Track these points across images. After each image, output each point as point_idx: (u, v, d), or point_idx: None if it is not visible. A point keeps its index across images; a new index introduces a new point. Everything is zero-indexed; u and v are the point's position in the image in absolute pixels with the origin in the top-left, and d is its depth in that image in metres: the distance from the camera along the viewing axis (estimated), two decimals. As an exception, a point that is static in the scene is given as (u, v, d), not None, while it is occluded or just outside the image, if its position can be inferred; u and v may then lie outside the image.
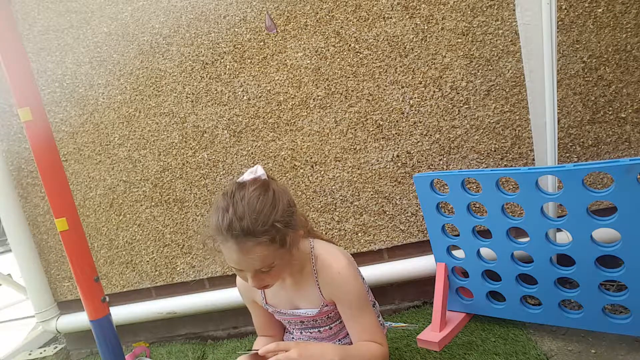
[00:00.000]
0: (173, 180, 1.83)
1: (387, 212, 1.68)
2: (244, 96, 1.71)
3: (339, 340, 1.25)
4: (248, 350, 1.10)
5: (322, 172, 1.70)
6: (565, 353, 1.27)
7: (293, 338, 1.29)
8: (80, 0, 1.76)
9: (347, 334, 1.22)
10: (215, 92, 1.73)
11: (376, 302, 1.31)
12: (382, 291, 1.66)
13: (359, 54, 1.61)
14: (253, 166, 1.09)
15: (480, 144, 1.58)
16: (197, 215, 1.83)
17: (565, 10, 1.46)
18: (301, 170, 1.71)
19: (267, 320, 1.30)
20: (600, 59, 1.48)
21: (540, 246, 1.24)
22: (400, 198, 1.66)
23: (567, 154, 1.54)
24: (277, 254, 1.00)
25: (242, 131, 1.73)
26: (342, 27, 1.60)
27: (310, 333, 1.24)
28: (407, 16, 1.55)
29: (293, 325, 1.25)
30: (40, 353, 2.14)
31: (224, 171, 1.77)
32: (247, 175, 1.06)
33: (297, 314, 1.19)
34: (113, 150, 1.85)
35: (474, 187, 1.55)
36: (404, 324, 1.60)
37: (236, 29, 1.67)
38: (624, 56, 1.46)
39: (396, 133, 1.63)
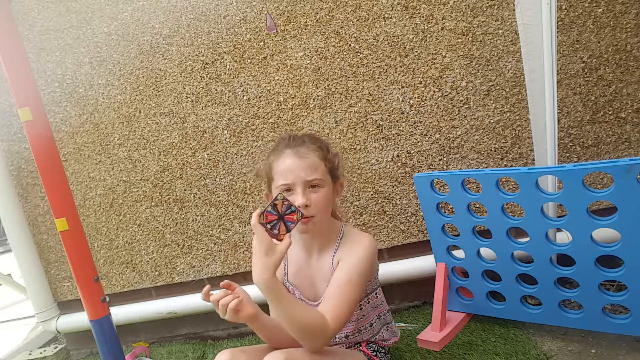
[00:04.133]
0: (173, 180, 1.83)
1: (387, 212, 1.68)
2: (244, 96, 1.71)
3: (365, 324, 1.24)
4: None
5: (322, 172, 1.70)
6: (565, 353, 1.27)
7: None
8: (80, 0, 1.76)
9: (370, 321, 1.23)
10: (215, 92, 1.73)
11: (389, 311, 1.31)
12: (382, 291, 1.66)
13: (359, 54, 1.61)
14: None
15: (480, 144, 1.58)
16: (197, 215, 1.83)
17: (565, 10, 1.46)
18: (301, 170, 1.71)
19: None
20: (600, 59, 1.48)
21: (540, 246, 1.24)
22: (400, 198, 1.66)
23: (567, 154, 1.54)
24: (325, 173, 1.12)
25: (242, 131, 1.73)
26: (342, 27, 1.60)
27: None
28: (407, 16, 1.55)
29: None
30: (40, 353, 2.14)
31: (224, 171, 1.77)
32: None
33: (314, 305, 1.18)
34: (113, 150, 1.85)
35: (474, 187, 1.55)
36: (404, 324, 1.60)
37: (236, 29, 1.67)
38: (624, 56, 1.46)
39: (396, 133, 1.63)
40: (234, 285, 1.07)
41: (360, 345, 1.25)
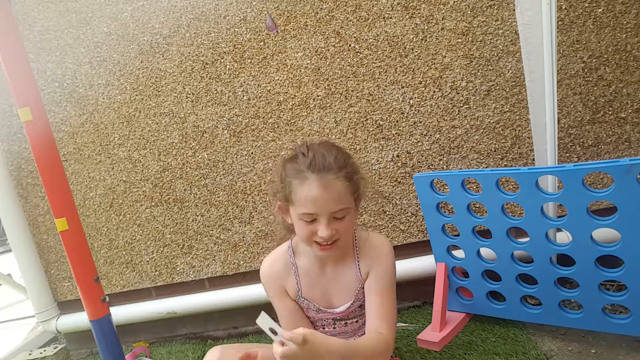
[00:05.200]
0: (173, 180, 1.83)
1: (387, 212, 1.68)
2: (244, 96, 1.71)
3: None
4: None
5: (322, 172, 1.70)
6: (565, 353, 1.27)
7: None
8: (80, 0, 1.76)
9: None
10: (215, 92, 1.73)
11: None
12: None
13: (359, 54, 1.61)
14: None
15: (480, 144, 1.58)
16: (197, 215, 1.83)
17: (565, 10, 1.46)
18: (301, 170, 1.71)
19: (294, 315, 1.20)
20: (600, 59, 1.48)
21: (540, 246, 1.24)
22: (400, 198, 1.66)
23: (567, 154, 1.54)
24: (351, 199, 1.04)
25: (242, 131, 1.73)
26: (342, 27, 1.60)
27: (339, 327, 1.22)
28: (407, 16, 1.55)
29: (323, 321, 1.22)
30: (40, 353, 2.14)
31: (224, 171, 1.77)
32: None
33: (330, 312, 1.18)
34: (113, 150, 1.85)
35: (474, 187, 1.54)
36: (404, 324, 1.60)
37: (236, 29, 1.67)
38: (624, 56, 1.46)
39: (396, 133, 1.63)
40: (254, 354, 1.04)
41: None
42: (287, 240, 1.22)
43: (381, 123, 1.63)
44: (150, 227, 1.88)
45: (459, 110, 1.58)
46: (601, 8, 1.44)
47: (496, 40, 1.52)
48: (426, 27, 1.55)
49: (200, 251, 1.86)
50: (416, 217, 1.66)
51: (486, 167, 1.59)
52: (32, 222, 1.98)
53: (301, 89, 1.66)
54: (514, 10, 1.43)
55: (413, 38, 1.56)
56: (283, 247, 1.22)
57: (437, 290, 1.47)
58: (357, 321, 1.21)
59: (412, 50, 1.57)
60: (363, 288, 1.16)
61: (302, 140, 1.09)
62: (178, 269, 1.89)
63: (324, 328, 1.23)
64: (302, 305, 1.20)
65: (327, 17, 1.60)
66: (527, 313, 1.36)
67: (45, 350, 2.16)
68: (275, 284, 1.19)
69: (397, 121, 1.62)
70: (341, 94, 1.64)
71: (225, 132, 1.75)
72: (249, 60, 1.68)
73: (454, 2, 1.52)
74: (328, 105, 1.65)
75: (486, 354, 1.33)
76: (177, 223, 1.86)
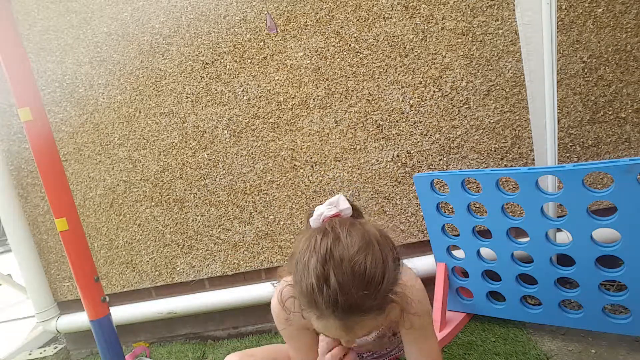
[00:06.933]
0: (173, 180, 1.83)
1: (387, 212, 1.68)
2: (244, 96, 1.71)
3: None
4: None
5: (322, 172, 1.70)
6: (565, 353, 1.27)
7: None
8: (80, 0, 1.76)
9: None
10: (215, 92, 1.73)
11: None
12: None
13: (359, 54, 1.61)
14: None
15: (480, 144, 1.58)
16: (197, 215, 1.83)
17: (565, 10, 1.46)
18: (301, 170, 1.71)
19: (311, 347, 1.06)
20: (600, 59, 1.48)
21: (540, 246, 1.24)
22: (400, 198, 1.66)
23: (567, 154, 1.54)
24: (384, 318, 0.84)
25: (242, 131, 1.73)
26: (342, 27, 1.60)
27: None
28: (407, 16, 1.55)
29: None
30: (40, 353, 2.14)
31: (224, 171, 1.77)
32: (328, 210, 0.87)
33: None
34: (113, 150, 1.85)
35: (474, 187, 1.55)
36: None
37: (236, 29, 1.67)
38: (624, 56, 1.46)
39: (396, 133, 1.63)
40: None
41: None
42: None
43: (381, 123, 1.63)
44: (150, 227, 1.88)
45: (459, 110, 1.58)
46: (601, 8, 1.44)
47: (496, 40, 1.52)
48: (426, 27, 1.55)
49: (200, 251, 1.86)
50: (416, 217, 1.66)
51: (486, 167, 1.59)
52: (32, 222, 1.98)
53: (301, 89, 1.66)
54: (514, 10, 1.43)
55: (413, 38, 1.56)
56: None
57: (437, 290, 1.47)
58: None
59: (412, 50, 1.57)
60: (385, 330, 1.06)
61: (320, 224, 0.86)
62: (178, 269, 1.89)
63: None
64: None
65: (327, 17, 1.60)
66: (527, 313, 1.36)
67: (45, 350, 2.16)
68: (297, 316, 0.99)
69: (397, 121, 1.62)
70: (341, 94, 1.64)
71: (225, 132, 1.75)
72: (249, 60, 1.68)
73: (454, 2, 1.52)
74: (328, 105, 1.65)
75: (486, 354, 1.33)
76: (177, 223, 1.86)
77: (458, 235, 1.40)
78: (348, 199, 0.92)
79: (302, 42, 1.63)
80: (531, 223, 1.23)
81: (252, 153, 1.74)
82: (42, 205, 1.95)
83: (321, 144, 1.68)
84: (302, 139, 1.69)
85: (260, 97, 1.70)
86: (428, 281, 1.54)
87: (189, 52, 1.72)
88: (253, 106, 1.71)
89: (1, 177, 1.89)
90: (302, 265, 0.81)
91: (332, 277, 0.75)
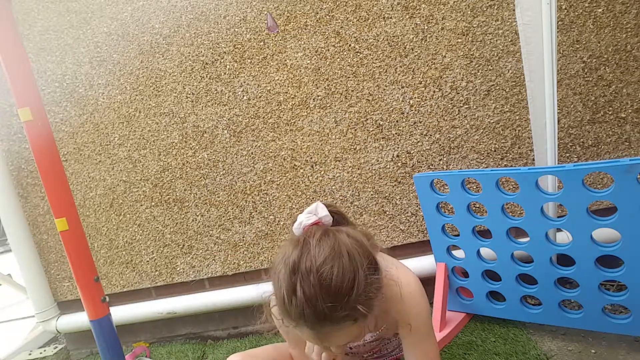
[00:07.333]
0: (173, 180, 1.83)
1: (387, 212, 1.68)
2: (244, 96, 1.71)
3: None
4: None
5: (322, 172, 1.70)
6: (565, 353, 1.27)
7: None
8: (80, 0, 1.76)
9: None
10: (215, 92, 1.73)
11: None
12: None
13: (359, 54, 1.61)
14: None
15: (480, 144, 1.58)
16: (197, 215, 1.83)
17: (565, 10, 1.46)
18: (301, 170, 1.71)
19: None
20: (600, 59, 1.48)
21: (540, 246, 1.24)
22: (400, 198, 1.66)
23: (567, 154, 1.54)
24: (364, 325, 0.83)
25: (242, 131, 1.73)
26: (342, 27, 1.60)
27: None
28: (407, 16, 1.55)
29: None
30: (40, 353, 2.14)
31: (224, 171, 1.77)
32: (306, 219, 0.87)
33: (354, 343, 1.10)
34: (113, 150, 1.85)
35: (474, 187, 1.55)
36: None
37: (236, 29, 1.67)
38: (624, 56, 1.46)
39: (396, 133, 1.63)
40: None
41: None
42: None
43: (381, 123, 1.63)
44: (150, 227, 1.88)
45: (459, 110, 1.58)
46: (601, 8, 1.44)
47: (496, 40, 1.52)
48: (426, 27, 1.55)
49: (200, 251, 1.86)
50: (416, 217, 1.66)
51: (486, 167, 1.59)
52: (32, 222, 1.98)
53: (301, 89, 1.66)
54: (514, 10, 1.43)
55: (413, 38, 1.56)
56: None
57: (437, 290, 1.47)
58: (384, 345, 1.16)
59: (412, 50, 1.57)
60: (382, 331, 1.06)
61: (294, 235, 0.86)
62: (178, 269, 1.89)
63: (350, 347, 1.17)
64: None
65: (327, 17, 1.60)
66: (527, 313, 1.36)
67: (45, 350, 2.16)
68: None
69: (397, 121, 1.62)
70: (341, 94, 1.64)
71: (225, 132, 1.75)
72: (249, 60, 1.68)
73: (454, 2, 1.52)
74: (328, 105, 1.65)
75: (486, 354, 1.33)
76: (177, 223, 1.86)
77: (458, 235, 1.40)
78: (332, 205, 0.92)
79: (302, 42, 1.63)
80: (531, 223, 1.23)
81: (252, 153, 1.74)
82: (42, 205, 1.95)
83: (321, 144, 1.68)
84: (302, 139, 1.69)
85: (260, 97, 1.70)
86: (428, 281, 1.55)
87: (189, 52, 1.72)
88: (253, 106, 1.71)
89: (1, 177, 1.89)
90: (275, 276, 0.82)
91: (298, 289, 0.76)
